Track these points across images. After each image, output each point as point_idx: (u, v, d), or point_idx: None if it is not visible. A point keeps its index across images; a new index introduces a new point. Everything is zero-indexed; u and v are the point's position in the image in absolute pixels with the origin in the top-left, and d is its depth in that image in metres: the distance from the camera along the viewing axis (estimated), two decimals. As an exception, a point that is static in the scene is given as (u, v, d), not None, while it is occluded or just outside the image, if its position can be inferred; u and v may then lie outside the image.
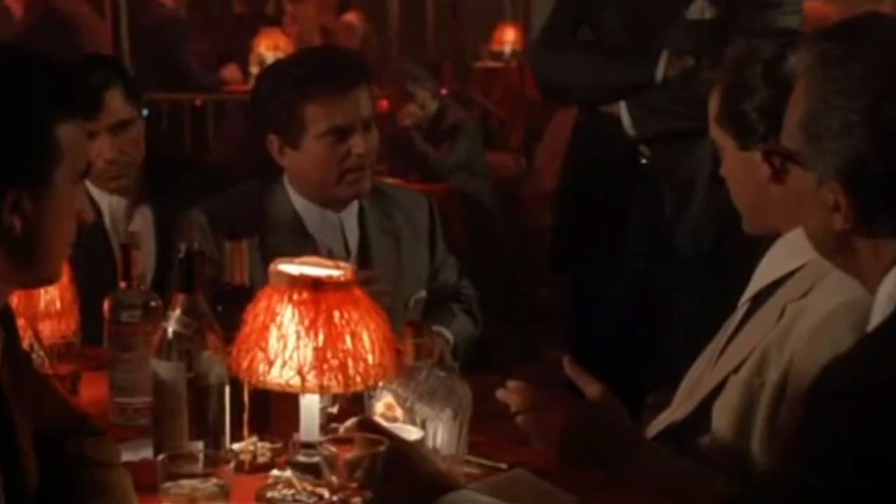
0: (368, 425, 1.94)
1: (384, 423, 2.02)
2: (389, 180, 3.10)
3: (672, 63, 3.17)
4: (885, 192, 1.61)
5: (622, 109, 3.26)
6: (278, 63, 3.29)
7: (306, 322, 1.98)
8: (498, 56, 8.74)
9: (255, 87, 3.11)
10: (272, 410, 2.26)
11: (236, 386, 2.16)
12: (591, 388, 2.22)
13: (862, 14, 1.71)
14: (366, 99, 2.97)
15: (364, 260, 3.01)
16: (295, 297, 1.99)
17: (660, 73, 3.18)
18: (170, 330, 2.11)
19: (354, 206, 3.06)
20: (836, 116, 1.62)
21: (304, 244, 2.90)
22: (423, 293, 3.08)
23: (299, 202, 3.02)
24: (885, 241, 1.64)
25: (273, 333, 1.99)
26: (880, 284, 1.63)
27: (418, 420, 2.06)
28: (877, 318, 1.61)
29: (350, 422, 1.94)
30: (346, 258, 2.95)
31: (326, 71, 2.94)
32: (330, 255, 2.80)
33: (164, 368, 2.11)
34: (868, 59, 1.62)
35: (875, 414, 1.43)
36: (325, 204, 3.02)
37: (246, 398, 2.23)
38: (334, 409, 2.28)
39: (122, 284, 2.49)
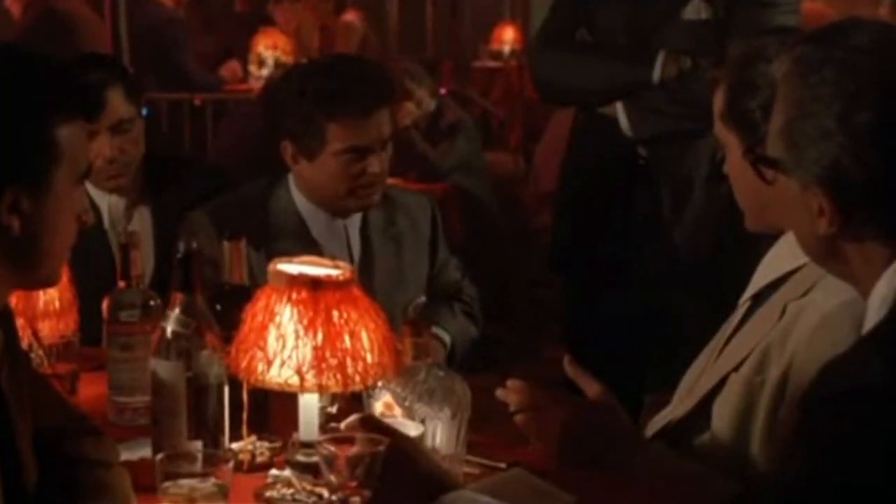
0: (371, 423, 1.93)
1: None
2: (389, 180, 3.09)
3: (669, 63, 3.16)
4: (866, 197, 1.60)
5: (619, 110, 3.26)
6: (302, 69, 3.13)
7: (305, 321, 1.98)
8: (497, 55, 8.74)
9: (276, 89, 3.05)
10: (271, 410, 2.26)
11: (235, 385, 2.16)
12: (591, 388, 2.22)
13: (841, 18, 1.69)
14: (388, 119, 2.93)
15: (366, 266, 3.00)
16: (293, 296, 1.99)
17: (657, 74, 3.17)
18: (169, 329, 2.11)
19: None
20: (812, 123, 1.60)
21: (307, 250, 2.88)
22: (422, 299, 3.07)
23: (305, 207, 3.01)
24: (872, 245, 1.62)
25: (272, 333, 1.99)
26: (873, 288, 1.62)
27: (417, 419, 2.06)
28: (870, 321, 1.60)
29: (352, 419, 1.94)
30: (350, 264, 2.94)
31: (354, 91, 2.87)
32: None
33: (163, 368, 2.11)
34: (841, 63, 1.60)
35: (870, 417, 1.42)
36: (331, 211, 3.01)
37: (245, 397, 2.23)
38: (333, 409, 2.28)
39: (121, 284, 2.49)
